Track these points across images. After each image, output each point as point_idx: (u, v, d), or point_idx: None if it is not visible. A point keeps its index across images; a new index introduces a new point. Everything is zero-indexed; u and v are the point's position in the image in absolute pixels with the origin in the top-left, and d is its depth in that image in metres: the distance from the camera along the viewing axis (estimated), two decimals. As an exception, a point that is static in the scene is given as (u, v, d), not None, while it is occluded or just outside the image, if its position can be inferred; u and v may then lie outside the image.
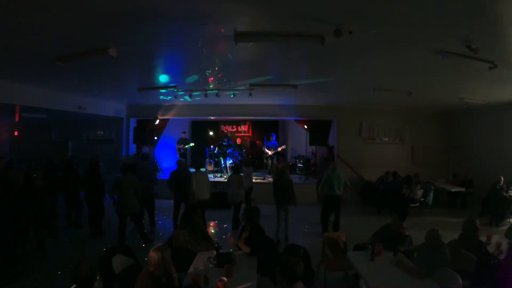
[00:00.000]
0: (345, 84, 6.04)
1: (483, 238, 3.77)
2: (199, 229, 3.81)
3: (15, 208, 4.13)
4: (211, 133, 11.72)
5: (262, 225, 3.77)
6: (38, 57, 3.98)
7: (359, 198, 8.75)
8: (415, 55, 3.89)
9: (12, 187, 4.22)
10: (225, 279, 2.62)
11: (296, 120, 10.10)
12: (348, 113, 9.21)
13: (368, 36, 3.16)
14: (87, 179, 5.79)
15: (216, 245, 3.53)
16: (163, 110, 9.46)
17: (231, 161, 9.48)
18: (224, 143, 9.90)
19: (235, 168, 6.68)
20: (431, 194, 7.68)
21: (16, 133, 11.53)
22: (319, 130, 9.21)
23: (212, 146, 10.26)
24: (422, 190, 7.57)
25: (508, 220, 6.66)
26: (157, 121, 9.80)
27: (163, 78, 5.49)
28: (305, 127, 9.74)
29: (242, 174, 6.61)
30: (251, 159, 9.07)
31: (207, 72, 5.04)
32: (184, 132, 10.40)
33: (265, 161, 10.35)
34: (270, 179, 8.79)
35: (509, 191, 6.97)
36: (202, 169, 6.17)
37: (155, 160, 9.78)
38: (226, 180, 8.61)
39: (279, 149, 9.68)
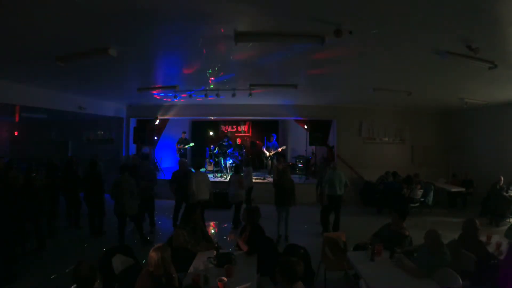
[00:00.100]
0: (345, 84, 6.04)
1: (483, 238, 3.77)
2: (199, 229, 3.81)
3: (15, 208, 4.13)
4: (211, 133, 11.72)
5: (262, 225, 3.76)
6: (38, 57, 3.97)
7: (359, 198, 8.76)
8: (415, 55, 3.88)
9: (12, 187, 4.22)
10: (225, 279, 2.62)
11: (296, 120, 10.10)
12: (348, 113, 9.21)
13: (368, 36, 3.16)
14: (87, 179, 5.79)
15: (216, 245, 3.53)
16: (163, 110, 9.45)
17: (231, 161, 9.49)
18: (224, 143, 9.90)
19: (236, 168, 6.68)
20: (431, 194, 7.68)
21: (16, 133, 11.53)
22: (319, 130, 9.20)
23: (212, 146, 10.26)
24: (422, 190, 7.56)
25: (508, 220, 6.65)
26: (157, 121, 9.80)
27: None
28: (305, 127, 9.74)
29: (242, 174, 6.62)
30: (251, 159, 9.07)
31: (208, 73, 5.04)
32: (184, 132, 10.40)
33: (265, 161, 10.35)
34: (270, 179, 8.79)
35: (509, 191, 6.96)
36: (202, 170, 6.16)
37: (155, 160, 9.78)
38: (225, 180, 8.65)
39: (280, 149, 9.67)
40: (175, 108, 9.37)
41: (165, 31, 3.18)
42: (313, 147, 9.73)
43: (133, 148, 9.88)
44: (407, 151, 9.67)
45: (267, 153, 9.84)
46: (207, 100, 7.53)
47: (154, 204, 6.34)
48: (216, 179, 9.11)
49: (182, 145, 10.03)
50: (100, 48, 3.58)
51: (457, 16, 2.70)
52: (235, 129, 12.22)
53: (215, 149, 10.00)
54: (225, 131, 11.88)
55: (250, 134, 12.19)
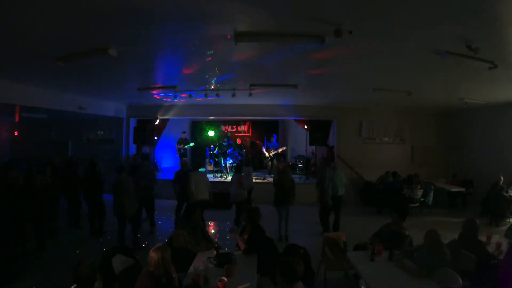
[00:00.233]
0: (345, 84, 6.04)
1: (483, 238, 3.77)
2: (199, 229, 3.80)
3: (15, 208, 4.13)
4: (211, 133, 11.72)
5: (262, 225, 3.76)
6: (38, 57, 3.97)
7: (359, 198, 8.76)
8: (415, 55, 3.88)
9: (12, 187, 4.22)
10: (225, 279, 2.62)
11: (296, 120, 10.09)
12: (348, 113, 9.21)
13: (368, 36, 3.16)
14: (87, 179, 5.79)
15: (216, 245, 3.53)
16: (163, 110, 9.45)
17: (231, 161, 9.48)
18: (224, 143, 9.91)
19: (237, 168, 6.69)
20: (431, 194, 7.68)
21: (16, 133, 11.53)
22: (319, 130, 9.20)
23: (212, 146, 10.26)
24: (422, 190, 7.57)
25: (508, 220, 6.66)
26: (157, 121, 9.80)
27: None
28: (305, 127, 9.73)
29: (242, 174, 6.61)
30: (251, 159, 9.06)
31: (208, 74, 5.04)
32: (184, 132, 10.41)
33: (264, 161, 10.34)
34: (270, 179, 8.79)
35: (509, 191, 6.96)
36: (201, 170, 6.15)
37: (155, 160, 9.78)
38: (226, 180, 8.66)
39: (280, 150, 9.66)
40: (175, 108, 9.36)
41: (165, 31, 3.18)
42: (313, 147, 9.73)
43: (133, 148, 9.88)
44: (407, 151, 9.67)
45: (267, 154, 9.84)
46: (207, 100, 7.53)
47: (154, 204, 6.33)
48: (216, 179, 9.11)
49: (182, 145, 10.04)
50: (100, 48, 3.58)
51: (457, 16, 2.70)
52: (235, 129, 12.22)
53: (215, 149, 10.00)
54: (225, 131, 11.88)
55: (250, 134, 12.20)
